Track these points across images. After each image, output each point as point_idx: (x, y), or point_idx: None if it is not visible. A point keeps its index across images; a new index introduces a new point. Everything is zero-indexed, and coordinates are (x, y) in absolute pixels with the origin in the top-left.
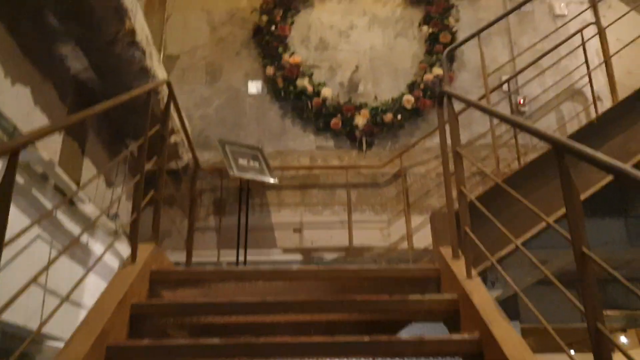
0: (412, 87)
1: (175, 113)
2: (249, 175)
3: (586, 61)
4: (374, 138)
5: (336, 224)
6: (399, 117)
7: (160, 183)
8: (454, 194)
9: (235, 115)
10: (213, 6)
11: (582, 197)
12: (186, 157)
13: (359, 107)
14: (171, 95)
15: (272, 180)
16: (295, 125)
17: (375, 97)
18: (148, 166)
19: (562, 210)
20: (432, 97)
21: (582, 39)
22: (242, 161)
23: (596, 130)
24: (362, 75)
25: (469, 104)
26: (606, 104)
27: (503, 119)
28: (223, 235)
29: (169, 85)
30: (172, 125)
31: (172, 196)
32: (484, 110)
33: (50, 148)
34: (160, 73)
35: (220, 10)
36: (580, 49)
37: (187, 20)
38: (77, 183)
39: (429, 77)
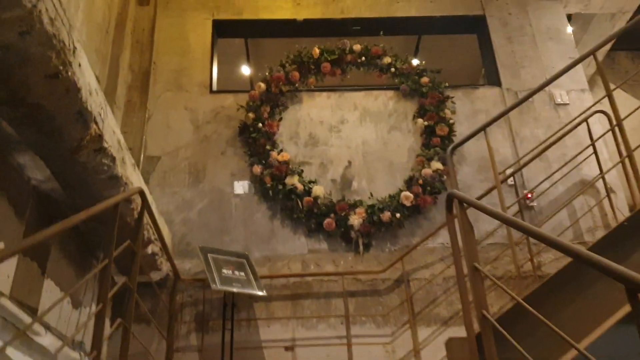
0: (410, 183)
1: (152, 222)
2: (233, 288)
3: (595, 153)
4: (371, 239)
5: (333, 340)
6: (398, 215)
7: (130, 307)
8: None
9: (220, 218)
10: (197, 105)
11: (616, 317)
12: (165, 267)
13: (353, 206)
14: (145, 205)
15: (259, 293)
16: (284, 227)
17: (371, 195)
18: (121, 281)
19: (596, 334)
20: (432, 193)
21: (588, 127)
22: (226, 271)
23: (628, 233)
24: (355, 172)
25: (489, 213)
26: (620, 196)
27: (542, 238)
28: (205, 355)
29: (142, 194)
30: (148, 235)
31: (148, 313)
32: (517, 227)
33: (0, 273)
34: (135, 179)
35: (205, 109)
36: (587, 136)
37: (170, 119)
38: (35, 311)
39: (427, 171)
